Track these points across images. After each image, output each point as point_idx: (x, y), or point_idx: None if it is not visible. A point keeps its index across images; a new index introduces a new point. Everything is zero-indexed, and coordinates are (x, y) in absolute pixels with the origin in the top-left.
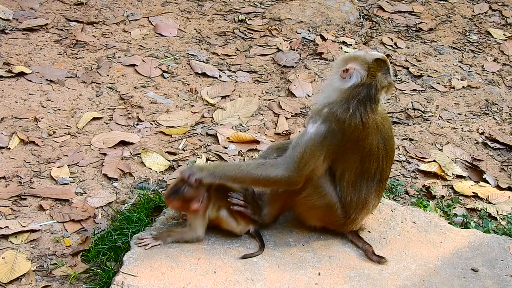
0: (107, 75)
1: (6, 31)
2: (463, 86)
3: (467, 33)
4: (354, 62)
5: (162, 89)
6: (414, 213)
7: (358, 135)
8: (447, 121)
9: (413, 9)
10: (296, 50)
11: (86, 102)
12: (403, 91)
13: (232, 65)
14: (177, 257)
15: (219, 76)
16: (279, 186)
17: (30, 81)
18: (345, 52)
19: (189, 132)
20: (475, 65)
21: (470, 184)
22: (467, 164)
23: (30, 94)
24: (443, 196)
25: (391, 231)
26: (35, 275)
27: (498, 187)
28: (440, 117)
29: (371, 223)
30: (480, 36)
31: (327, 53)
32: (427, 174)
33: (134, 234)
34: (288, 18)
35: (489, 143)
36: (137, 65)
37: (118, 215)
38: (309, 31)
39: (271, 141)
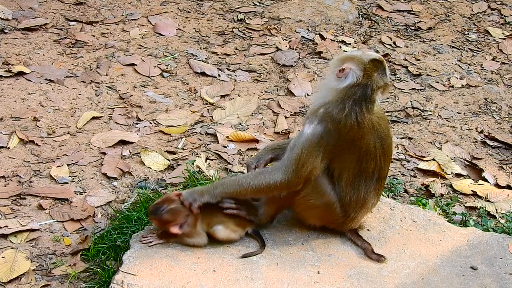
0: (107, 75)
1: (5, 31)
2: (462, 85)
3: (466, 32)
4: (350, 62)
5: (161, 89)
6: (413, 212)
7: (354, 135)
8: (446, 120)
9: (412, 8)
10: (295, 49)
11: (85, 101)
12: (402, 90)
13: (231, 64)
14: (176, 256)
15: (219, 75)
16: (280, 190)
17: (30, 80)
18: (344, 51)
19: (188, 131)
20: (474, 64)
21: (469, 182)
22: (466, 162)
23: (29, 94)
24: (442, 195)
25: (391, 230)
26: (35, 274)
27: (497, 185)
28: (439, 115)
29: (370, 221)
30: (479, 35)
31: (326, 52)
32: (426, 172)
33: (133, 233)
34: (287, 17)
35: (488, 141)
36: (136, 65)
37: (118, 214)
38: (308, 30)
39: (271, 140)
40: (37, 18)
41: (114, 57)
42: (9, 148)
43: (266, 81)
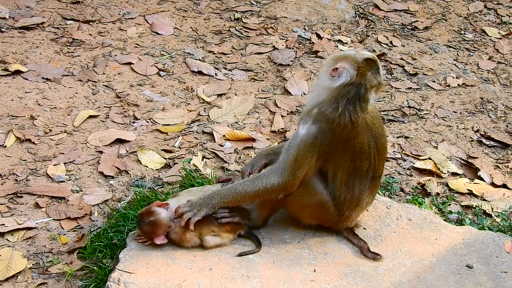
0: (103, 73)
1: (2, 30)
2: (458, 84)
3: (462, 32)
4: (344, 61)
5: (158, 87)
6: (409, 210)
7: (348, 134)
8: (442, 119)
9: (408, 7)
10: (292, 49)
11: (82, 100)
12: (399, 89)
13: (228, 63)
14: (173, 254)
15: (215, 74)
16: (278, 193)
17: (26, 79)
18: (341, 50)
19: (185, 130)
20: (470, 63)
21: (465, 181)
22: (462, 161)
23: (26, 92)
24: (438, 194)
25: (387, 228)
26: (31, 273)
27: (493, 184)
28: (435, 115)
29: (366, 220)
30: (475, 34)
31: (323, 51)
32: (422, 171)
33: (130, 231)
34: (284, 17)
35: (484, 140)
36: (133, 64)
37: (114, 213)
38: (305, 29)
39: (267, 139)
40: (34, 17)
41: (111, 56)
42: (5, 146)
43: (263, 80)
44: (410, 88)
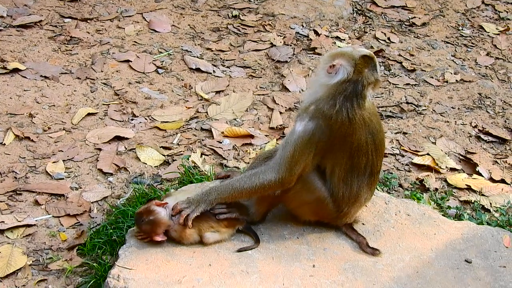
0: (102, 71)
1: (0, 28)
2: (456, 80)
3: (460, 28)
4: (341, 58)
5: (156, 85)
6: (408, 206)
7: (345, 130)
8: (441, 115)
9: (406, 4)
10: (290, 45)
11: (80, 98)
12: (397, 85)
13: (226, 60)
14: (172, 250)
15: (213, 71)
16: (275, 189)
17: (25, 77)
18: (339, 47)
19: (183, 127)
20: (468, 59)
21: (464, 176)
22: (460, 157)
23: (24, 90)
24: (436, 189)
25: (385, 224)
26: (31, 269)
27: (491, 179)
28: (434, 110)
29: (365, 215)
30: (473, 30)
31: (321, 48)
32: (421, 167)
33: (129, 228)
34: (282, 14)
35: (482, 136)
36: (131, 61)
37: (114, 210)
38: (303, 26)
39: (266, 135)
40: (32, 15)
41: (109, 54)
42: (4, 144)
43: (261, 77)
44: (408, 84)
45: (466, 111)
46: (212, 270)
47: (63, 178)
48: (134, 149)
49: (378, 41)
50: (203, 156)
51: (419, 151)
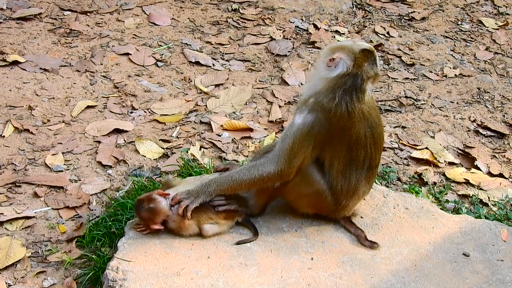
0: (101, 64)
1: (0, 20)
2: (455, 75)
3: (459, 22)
4: (341, 51)
5: (156, 78)
6: (406, 199)
7: (344, 124)
8: (439, 109)
9: None
10: (289, 39)
11: (80, 90)
12: (396, 80)
13: (226, 54)
14: (171, 242)
15: (213, 64)
16: (274, 182)
17: (24, 69)
18: (338, 41)
19: (182, 120)
20: (467, 53)
21: (462, 171)
22: (459, 151)
23: (24, 83)
24: (435, 183)
25: (384, 217)
26: (30, 261)
27: (490, 173)
28: (432, 105)
29: (363, 209)
30: (472, 25)
31: (320, 42)
32: (419, 161)
33: (128, 220)
34: (281, 7)
35: (480, 130)
36: (131, 54)
37: (113, 202)
38: (302, 20)
39: (265, 129)
40: (31, 7)
41: (108, 47)
42: (4, 136)
43: (260, 71)
44: (407, 78)
45: (465, 106)
46: (211, 262)
47: (62, 171)
48: (133, 141)
49: (378, 35)
50: (202, 149)
51: (417, 145)
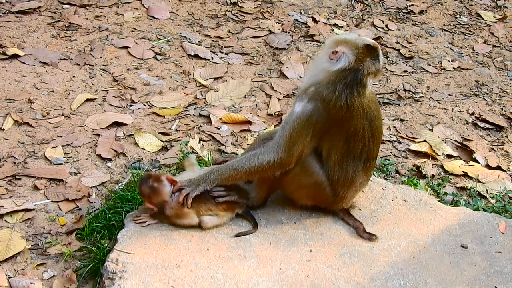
0: (100, 57)
1: None
2: (454, 68)
3: (458, 16)
4: (344, 45)
5: (155, 71)
6: (405, 192)
7: (343, 116)
8: (438, 102)
9: None
10: (288, 32)
11: (79, 83)
12: (394, 73)
13: (225, 47)
14: (170, 234)
15: (212, 58)
16: (274, 170)
17: (24, 63)
18: (337, 34)
19: (182, 113)
20: (466, 47)
21: (460, 163)
22: (457, 144)
23: (23, 76)
24: (433, 175)
25: (382, 209)
26: (30, 253)
27: (488, 166)
28: (431, 98)
29: (362, 201)
30: (471, 18)
31: (319, 35)
32: (418, 153)
33: (128, 212)
34: (280, 1)
35: (479, 123)
36: (130, 47)
37: (112, 194)
38: (301, 13)
39: (264, 121)
40: (31, 1)
41: (107, 40)
42: (3, 129)
43: (259, 64)
44: (405, 71)
45: (463, 99)
46: (210, 254)
47: (62, 163)
48: (133, 134)
49: (376, 29)
50: (201, 142)
51: (416, 138)
